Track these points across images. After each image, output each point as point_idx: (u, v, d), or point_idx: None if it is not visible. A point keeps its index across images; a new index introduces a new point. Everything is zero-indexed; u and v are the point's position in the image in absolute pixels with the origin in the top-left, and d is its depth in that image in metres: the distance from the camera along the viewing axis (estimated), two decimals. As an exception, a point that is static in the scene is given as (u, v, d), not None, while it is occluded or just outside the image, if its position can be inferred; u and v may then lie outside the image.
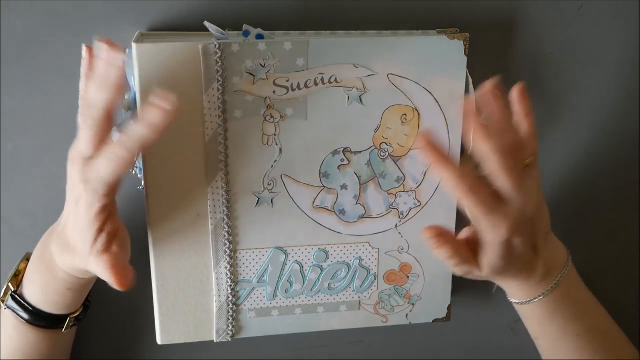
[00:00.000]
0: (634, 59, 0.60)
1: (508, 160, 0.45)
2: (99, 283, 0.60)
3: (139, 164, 0.55)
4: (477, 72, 0.54)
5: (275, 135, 0.52)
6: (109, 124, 0.45)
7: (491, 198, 0.47)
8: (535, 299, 0.54)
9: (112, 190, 0.46)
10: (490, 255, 0.50)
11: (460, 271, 0.53)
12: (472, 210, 0.48)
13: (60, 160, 0.55)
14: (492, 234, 0.48)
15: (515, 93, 0.49)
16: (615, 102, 0.61)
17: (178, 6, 0.53)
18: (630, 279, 0.67)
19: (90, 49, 0.47)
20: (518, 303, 0.55)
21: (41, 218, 0.57)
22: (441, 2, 0.55)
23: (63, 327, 0.53)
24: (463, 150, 0.56)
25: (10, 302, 0.52)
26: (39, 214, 0.57)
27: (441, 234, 0.51)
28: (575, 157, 0.62)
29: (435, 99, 0.53)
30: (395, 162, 0.55)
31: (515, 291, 0.55)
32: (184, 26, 0.53)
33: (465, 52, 0.52)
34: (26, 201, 0.57)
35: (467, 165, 0.47)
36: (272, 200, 0.54)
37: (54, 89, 0.54)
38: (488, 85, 0.46)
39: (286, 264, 0.56)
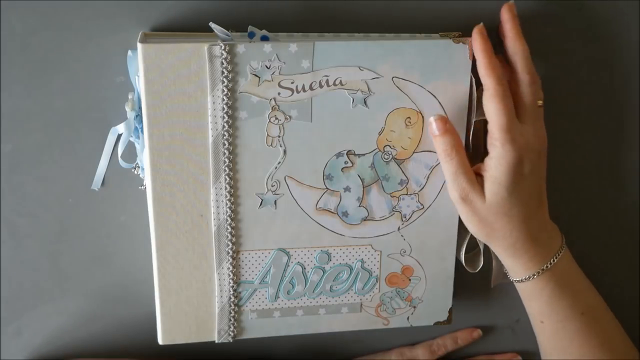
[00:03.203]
0: (634, 59, 0.60)
1: (533, 72, 0.52)
2: (98, 282, 0.60)
3: (142, 163, 0.55)
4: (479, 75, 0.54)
5: (279, 136, 0.52)
6: None
7: (513, 112, 0.51)
8: (535, 274, 0.54)
9: None
10: (500, 173, 0.51)
11: (458, 185, 0.53)
12: (496, 118, 0.51)
13: (60, 160, 0.55)
14: (499, 151, 0.51)
15: (505, 13, 0.52)
16: (615, 102, 0.61)
17: (180, 7, 0.53)
18: (631, 279, 0.68)
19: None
20: (520, 280, 0.55)
21: (41, 218, 0.57)
22: (443, 5, 0.55)
23: None
24: (467, 150, 0.56)
25: None
26: (39, 214, 0.57)
27: (449, 123, 0.53)
28: (575, 157, 0.62)
29: (440, 103, 0.53)
30: (398, 165, 0.55)
31: (514, 264, 0.55)
32: (187, 27, 0.53)
33: (470, 55, 0.52)
34: (26, 201, 0.56)
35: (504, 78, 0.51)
36: (275, 201, 0.54)
37: (54, 89, 0.54)
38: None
39: (288, 266, 0.56)
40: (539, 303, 0.56)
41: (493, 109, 0.51)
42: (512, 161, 0.51)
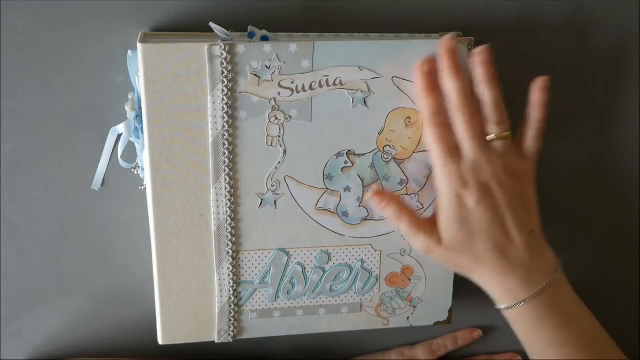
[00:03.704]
0: (634, 59, 0.60)
1: (467, 109, 0.50)
2: (98, 282, 0.60)
3: (142, 163, 0.55)
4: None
5: (279, 136, 0.52)
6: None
7: (451, 144, 0.51)
8: (519, 303, 0.52)
9: None
10: (445, 211, 0.51)
11: (417, 241, 0.53)
12: (433, 153, 0.51)
13: (60, 160, 0.55)
14: (441, 183, 0.51)
15: (477, 57, 0.51)
16: (615, 103, 0.61)
17: (180, 7, 0.53)
18: (631, 280, 0.68)
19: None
20: (504, 308, 0.53)
21: (41, 218, 0.57)
22: (443, 5, 0.55)
23: None
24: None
25: None
26: (39, 214, 0.57)
27: (386, 194, 0.54)
28: (575, 157, 0.62)
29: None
30: (398, 165, 0.55)
31: (499, 292, 0.53)
32: (187, 27, 0.53)
33: (469, 55, 0.52)
34: (26, 201, 0.56)
35: (442, 107, 0.51)
36: (275, 201, 0.54)
37: (54, 89, 0.54)
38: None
39: (288, 266, 0.56)
40: (518, 329, 0.54)
41: (430, 144, 0.52)
42: (447, 196, 0.51)
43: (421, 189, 0.56)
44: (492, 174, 0.51)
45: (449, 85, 0.50)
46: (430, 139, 0.51)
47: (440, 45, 0.51)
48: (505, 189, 0.51)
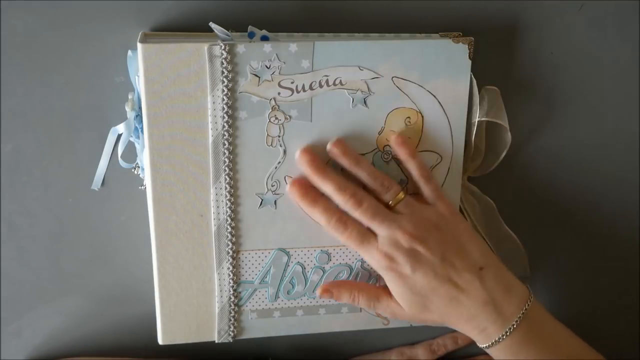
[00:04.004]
0: (634, 59, 0.60)
1: (352, 200, 0.51)
2: (98, 282, 0.60)
3: (142, 163, 0.55)
4: (479, 75, 0.54)
5: (279, 136, 0.52)
6: None
7: (360, 233, 0.52)
8: (495, 342, 0.52)
9: None
10: (392, 289, 0.53)
11: (381, 310, 0.55)
12: (347, 245, 0.53)
13: (60, 160, 0.55)
14: (374, 266, 0.53)
15: (332, 151, 0.52)
16: (615, 102, 0.61)
17: (180, 7, 0.53)
18: (631, 280, 0.68)
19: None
20: (485, 348, 0.54)
21: (41, 218, 0.57)
22: (443, 5, 0.55)
23: None
24: (466, 151, 0.56)
25: None
26: (39, 214, 0.57)
27: (331, 285, 0.56)
28: (576, 157, 0.62)
29: (439, 102, 0.54)
30: (398, 165, 0.55)
31: (474, 334, 0.54)
32: (187, 27, 0.53)
33: (469, 55, 0.53)
34: (26, 201, 0.56)
35: (331, 208, 0.52)
36: (275, 201, 0.54)
37: (54, 89, 0.54)
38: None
39: (288, 266, 0.56)
40: None
41: (338, 238, 0.53)
42: (385, 276, 0.53)
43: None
44: (409, 238, 0.51)
45: (325, 189, 0.52)
46: (340, 238, 0.52)
47: (299, 162, 0.52)
48: (430, 245, 0.51)
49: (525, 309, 0.52)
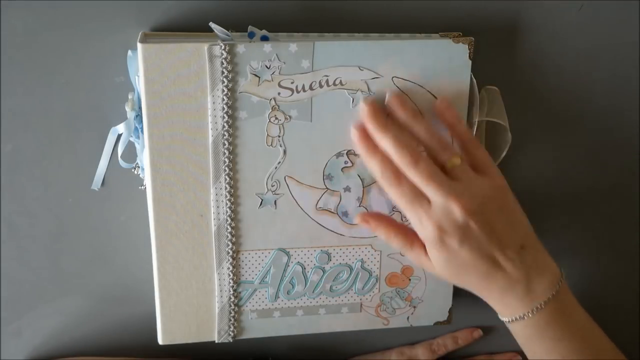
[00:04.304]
0: (634, 59, 0.60)
1: (408, 158, 0.48)
2: (98, 282, 0.60)
3: (142, 163, 0.55)
4: (479, 75, 0.54)
5: (279, 136, 0.52)
6: None
7: (413, 192, 0.49)
8: (520, 318, 0.52)
9: None
10: (431, 254, 0.51)
11: (411, 258, 0.53)
12: (401, 207, 0.50)
13: (60, 160, 0.55)
14: (419, 230, 0.50)
15: (392, 102, 0.51)
16: (615, 102, 0.61)
17: (180, 7, 0.53)
18: (631, 280, 0.68)
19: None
20: (506, 322, 0.53)
21: (41, 218, 0.57)
22: (443, 5, 0.55)
23: None
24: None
25: None
26: (39, 214, 0.57)
27: (372, 215, 0.54)
28: (576, 157, 0.62)
29: (440, 102, 0.53)
30: (398, 165, 0.55)
31: (499, 308, 0.53)
32: (187, 27, 0.53)
33: (469, 55, 0.52)
34: (26, 201, 0.56)
35: (388, 163, 0.50)
36: (275, 201, 0.54)
37: (54, 89, 0.54)
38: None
39: (288, 266, 0.56)
40: (519, 341, 0.54)
41: (390, 194, 0.51)
42: (430, 242, 0.50)
43: (421, 189, 0.56)
44: (463, 211, 0.49)
45: (382, 144, 0.50)
46: (392, 196, 0.51)
47: (361, 111, 0.51)
48: (481, 219, 0.49)
49: (556, 292, 0.51)
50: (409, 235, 0.52)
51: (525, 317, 0.51)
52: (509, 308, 0.52)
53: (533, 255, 0.52)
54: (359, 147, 0.51)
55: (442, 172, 0.50)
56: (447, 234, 0.49)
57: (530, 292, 0.51)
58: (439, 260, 0.51)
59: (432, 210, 0.49)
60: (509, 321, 0.52)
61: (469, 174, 0.50)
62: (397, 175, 0.49)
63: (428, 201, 0.49)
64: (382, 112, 0.51)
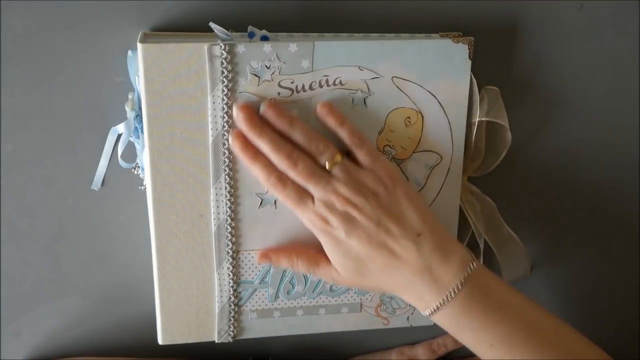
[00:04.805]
0: (634, 59, 0.60)
1: (287, 160, 0.50)
2: (98, 282, 0.60)
3: (142, 163, 0.55)
4: (479, 75, 0.54)
5: (279, 136, 0.52)
6: None
7: (298, 193, 0.51)
8: (435, 310, 0.51)
9: None
10: (328, 254, 0.52)
11: (321, 275, 0.54)
12: (285, 204, 0.52)
13: (60, 160, 0.55)
14: (311, 228, 0.52)
15: (265, 112, 0.51)
16: (615, 102, 0.61)
17: (180, 7, 0.53)
18: (631, 279, 0.68)
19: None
20: (427, 316, 0.52)
21: (41, 218, 0.57)
22: (443, 5, 0.55)
23: None
24: (466, 152, 0.56)
25: None
26: (39, 214, 0.57)
27: (274, 250, 0.55)
28: (576, 157, 0.62)
29: (439, 102, 0.54)
30: (398, 165, 0.55)
31: (414, 302, 0.53)
32: (187, 27, 0.53)
33: (469, 55, 0.53)
34: (26, 201, 0.56)
35: (270, 166, 0.51)
36: (275, 201, 0.54)
37: (54, 89, 0.54)
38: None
39: (288, 266, 0.56)
40: (450, 334, 0.54)
41: (277, 196, 0.52)
42: (321, 238, 0.52)
43: (421, 189, 0.56)
44: (344, 202, 0.50)
45: (261, 149, 0.50)
46: (278, 197, 0.51)
47: (235, 117, 0.51)
48: (365, 210, 0.50)
49: (465, 277, 0.51)
50: (311, 254, 0.54)
51: (441, 307, 0.51)
52: (422, 301, 0.52)
53: (433, 242, 0.51)
54: (239, 156, 0.51)
55: (325, 172, 0.51)
56: (332, 226, 0.50)
57: (437, 280, 0.51)
58: (336, 256, 0.52)
59: (315, 205, 0.50)
60: (428, 314, 0.52)
61: (351, 170, 0.51)
62: (281, 179, 0.50)
63: (312, 198, 0.51)
64: (257, 116, 0.51)
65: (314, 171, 0.50)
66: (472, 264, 0.51)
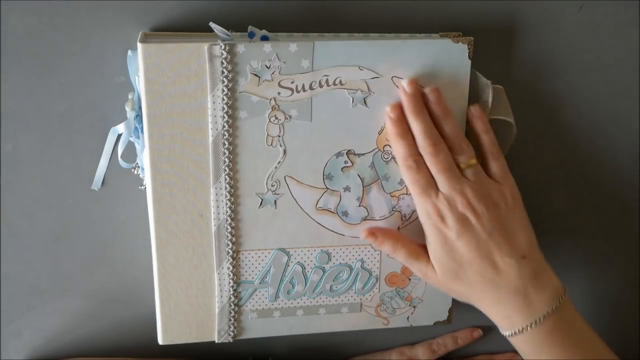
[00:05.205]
0: (634, 59, 0.60)
1: (432, 147, 0.51)
2: (98, 282, 0.60)
3: (142, 163, 0.55)
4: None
5: (279, 136, 0.52)
6: None
7: (427, 181, 0.51)
8: (519, 331, 0.52)
9: None
10: (431, 249, 0.53)
11: (414, 269, 0.55)
12: (411, 192, 0.53)
13: (60, 160, 0.55)
14: (423, 218, 0.52)
15: (429, 96, 0.52)
16: (615, 102, 0.61)
17: (180, 7, 0.53)
18: (631, 279, 0.68)
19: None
20: (507, 336, 0.53)
21: (41, 218, 0.57)
22: (443, 5, 0.55)
23: None
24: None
25: None
26: (39, 214, 0.57)
27: (379, 230, 0.55)
28: (576, 156, 0.62)
29: (439, 102, 0.54)
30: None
31: (498, 320, 0.53)
32: (187, 27, 0.53)
33: (469, 55, 0.52)
34: (26, 201, 0.56)
35: (413, 148, 0.52)
36: (275, 201, 0.54)
37: (54, 89, 0.54)
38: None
39: (288, 265, 0.56)
40: (521, 354, 0.54)
41: (405, 178, 0.53)
42: (430, 232, 0.53)
43: (421, 189, 0.56)
44: (466, 205, 0.51)
45: (413, 127, 0.52)
46: (406, 180, 0.53)
47: (402, 90, 0.52)
48: (483, 218, 0.51)
49: (556, 306, 0.52)
50: (414, 246, 0.54)
51: (524, 331, 0.52)
52: (508, 320, 0.52)
53: (534, 268, 0.52)
54: (391, 127, 0.52)
55: (459, 170, 0.52)
56: (447, 224, 0.51)
57: (530, 305, 0.52)
58: (439, 254, 0.52)
59: (438, 201, 0.51)
60: (509, 335, 0.53)
61: (481, 176, 0.52)
62: (418, 162, 0.51)
63: (437, 192, 0.51)
64: (421, 97, 0.52)
65: (451, 166, 0.51)
66: (563, 296, 0.53)
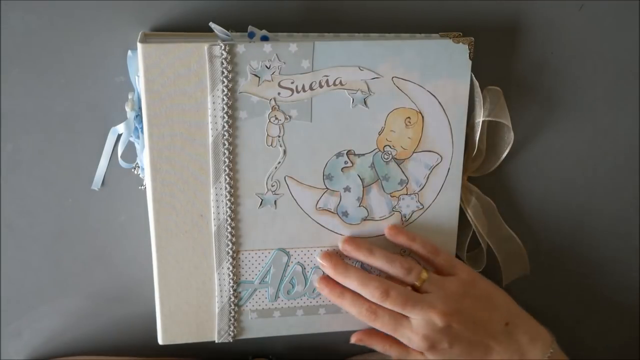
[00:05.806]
0: (634, 59, 0.60)
1: (377, 293, 0.52)
2: (98, 282, 0.60)
3: (142, 163, 0.55)
4: (479, 75, 0.54)
5: (279, 136, 0.52)
6: None
7: (392, 319, 0.53)
8: None
9: None
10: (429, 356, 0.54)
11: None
12: (381, 330, 0.54)
13: (60, 160, 0.55)
14: (412, 345, 0.54)
15: (344, 247, 0.55)
16: (615, 102, 0.61)
17: (180, 7, 0.53)
18: (631, 279, 0.68)
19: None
20: None
21: (41, 218, 0.57)
22: (443, 5, 0.55)
23: None
24: (466, 152, 0.56)
25: None
26: (39, 214, 0.57)
27: (367, 333, 0.57)
28: (576, 157, 0.62)
29: (439, 102, 0.54)
30: (398, 165, 0.55)
31: None
32: (187, 27, 0.53)
33: (469, 55, 0.52)
34: (26, 201, 0.56)
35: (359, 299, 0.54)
36: (275, 201, 0.54)
37: (54, 89, 0.54)
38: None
39: (288, 266, 0.56)
40: None
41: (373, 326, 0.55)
42: (423, 349, 0.54)
43: (421, 189, 0.56)
44: (443, 317, 0.52)
45: (348, 286, 0.54)
46: (373, 326, 0.54)
47: (321, 267, 0.55)
48: (462, 318, 0.53)
49: (549, 355, 0.54)
50: (402, 344, 0.55)
51: None
52: None
53: (520, 328, 0.55)
54: (327, 296, 0.55)
55: (413, 289, 0.54)
56: (436, 342, 0.53)
57: (524, 355, 0.54)
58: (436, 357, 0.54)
59: (415, 327, 0.53)
60: None
61: (437, 281, 0.54)
62: (372, 309, 0.53)
63: (408, 319, 0.53)
64: (340, 261, 0.55)
65: (407, 297, 0.53)
66: (553, 342, 0.55)
